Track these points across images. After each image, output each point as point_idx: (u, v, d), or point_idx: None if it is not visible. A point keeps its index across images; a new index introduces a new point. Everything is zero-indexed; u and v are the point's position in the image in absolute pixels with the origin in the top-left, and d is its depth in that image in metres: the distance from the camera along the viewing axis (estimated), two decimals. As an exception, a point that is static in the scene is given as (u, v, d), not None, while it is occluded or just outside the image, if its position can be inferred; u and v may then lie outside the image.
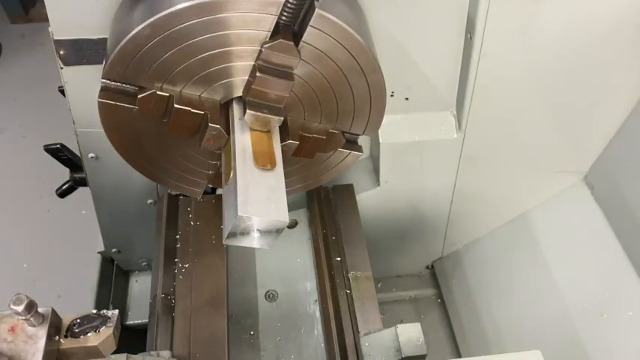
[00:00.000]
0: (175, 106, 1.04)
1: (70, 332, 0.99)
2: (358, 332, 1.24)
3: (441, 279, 2.06)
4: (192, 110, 1.05)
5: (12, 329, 0.93)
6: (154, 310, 1.30)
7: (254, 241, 1.03)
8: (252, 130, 1.08)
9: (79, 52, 1.19)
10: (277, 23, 0.99)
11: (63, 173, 1.66)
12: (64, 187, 1.68)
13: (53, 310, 0.96)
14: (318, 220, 1.50)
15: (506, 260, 1.83)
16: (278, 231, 1.02)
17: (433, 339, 1.95)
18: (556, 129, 1.59)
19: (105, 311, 1.02)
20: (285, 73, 1.04)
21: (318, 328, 1.42)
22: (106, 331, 0.99)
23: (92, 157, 1.46)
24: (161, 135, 1.13)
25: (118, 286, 1.88)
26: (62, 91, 1.31)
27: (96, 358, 0.99)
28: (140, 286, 1.92)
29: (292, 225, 1.62)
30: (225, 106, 1.11)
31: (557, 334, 1.58)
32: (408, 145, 1.57)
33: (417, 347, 1.09)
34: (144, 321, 1.76)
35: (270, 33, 1.00)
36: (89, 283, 1.80)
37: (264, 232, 1.02)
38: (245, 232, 1.01)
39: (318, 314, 1.44)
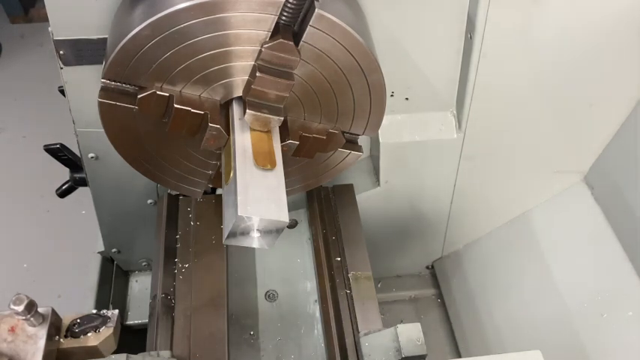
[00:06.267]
0: (175, 106, 1.04)
1: (70, 332, 0.99)
2: (358, 332, 1.24)
3: (441, 279, 2.06)
4: (192, 110, 1.05)
5: (12, 329, 0.93)
6: (154, 310, 1.30)
7: (254, 241, 1.03)
8: (252, 130, 1.08)
9: (79, 52, 1.19)
10: (277, 23, 0.99)
11: (63, 173, 1.66)
12: (64, 187, 1.68)
13: (53, 310, 0.96)
14: (318, 220, 1.50)
15: (506, 260, 1.83)
16: (278, 231, 1.02)
17: (433, 339, 1.95)
18: (556, 129, 1.59)
19: (105, 311, 1.02)
20: (285, 73, 1.03)
21: (318, 328, 1.42)
22: (106, 331, 0.99)
23: (92, 157, 1.46)
24: (161, 135, 1.13)
25: (118, 286, 1.88)
26: (62, 91, 1.31)
27: (96, 358, 0.99)
28: (140, 286, 1.92)
29: (292, 225, 1.61)
30: (225, 106, 1.11)
31: (557, 334, 1.58)
32: (408, 145, 1.57)
33: (417, 347, 1.09)
34: (144, 321, 1.76)
35: (270, 33, 1.00)
36: (89, 283, 1.80)
37: (264, 232, 1.01)
38: (245, 232, 1.01)
39: (318, 314, 1.44)
